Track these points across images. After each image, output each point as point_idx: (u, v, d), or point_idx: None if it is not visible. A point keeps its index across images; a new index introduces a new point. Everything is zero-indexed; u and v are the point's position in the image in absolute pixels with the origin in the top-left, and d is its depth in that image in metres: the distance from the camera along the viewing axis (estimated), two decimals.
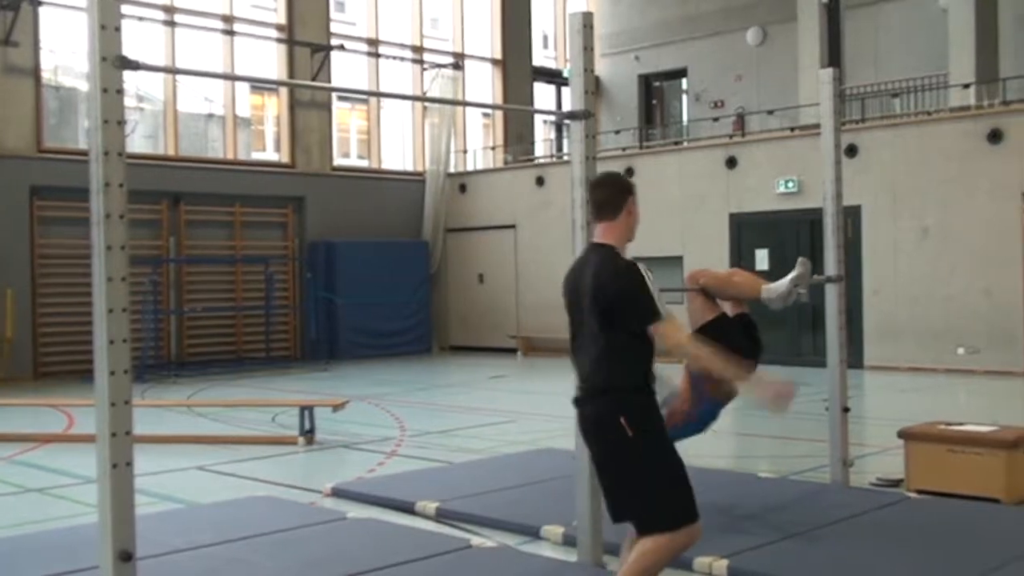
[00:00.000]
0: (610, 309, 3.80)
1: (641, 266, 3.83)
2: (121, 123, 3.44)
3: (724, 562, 4.94)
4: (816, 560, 5.13)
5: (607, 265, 3.86)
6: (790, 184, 15.68)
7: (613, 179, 4.16)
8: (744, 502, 6.31)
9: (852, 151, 14.65)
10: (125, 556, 3.40)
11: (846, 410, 6.73)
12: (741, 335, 5.94)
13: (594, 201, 4.07)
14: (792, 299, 5.85)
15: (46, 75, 16.37)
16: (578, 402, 3.96)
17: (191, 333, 17.17)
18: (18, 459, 8.63)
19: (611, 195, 4.02)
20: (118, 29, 3.43)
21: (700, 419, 5.88)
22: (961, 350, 14.02)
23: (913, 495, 6.45)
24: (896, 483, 6.82)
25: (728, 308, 6.03)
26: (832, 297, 6.80)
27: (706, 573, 4.94)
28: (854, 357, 13.60)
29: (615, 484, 3.86)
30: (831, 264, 6.80)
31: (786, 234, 15.68)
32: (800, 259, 5.92)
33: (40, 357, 15.53)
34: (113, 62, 3.40)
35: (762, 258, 15.67)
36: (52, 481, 7.70)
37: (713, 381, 5.79)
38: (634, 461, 3.78)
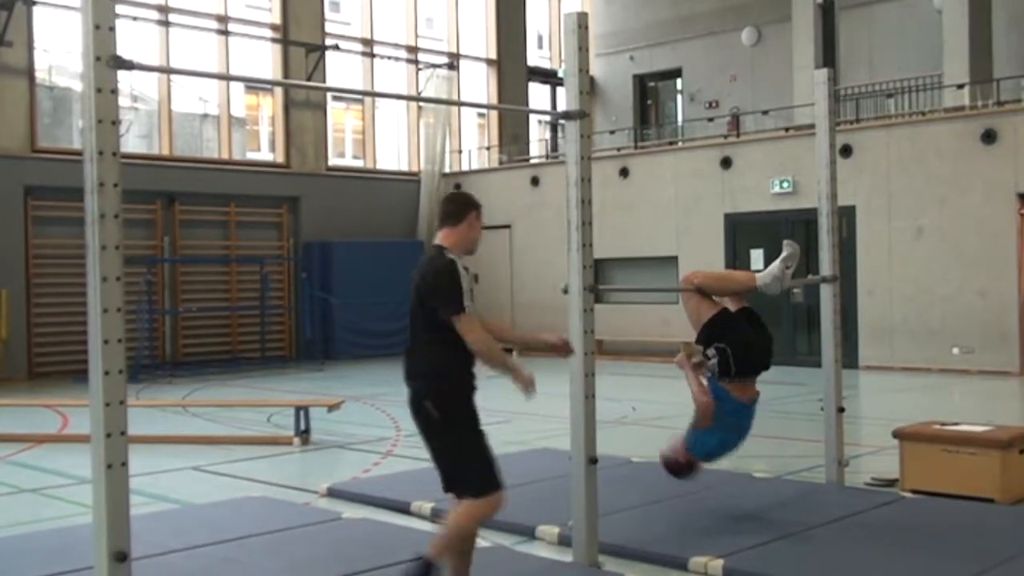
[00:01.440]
0: (426, 301, 4.27)
1: (459, 266, 4.27)
2: (115, 123, 3.43)
3: (720, 562, 4.94)
4: (811, 560, 5.14)
5: (432, 263, 4.34)
6: (785, 184, 15.70)
7: (462, 195, 4.63)
8: (739, 502, 6.32)
9: (847, 151, 14.67)
10: (120, 556, 3.39)
11: (841, 410, 6.74)
12: (749, 328, 5.94)
13: (442, 211, 4.51)
14: (787, 282, 5.86)
15: (40, 75, 16.35)
16: (406, 383, 4.36)
17: (186, 333, 17.15)
18: (13, 459, 8.61)
19: (457, 207, 4.49)
20: (112, 29, 3.43)
21: (735, 419, 5.84)
22: (956, 350, 14.05)
23: (908, 495, 6.46)
24: (891, 483, 6.83)
25: (730, 304, 6.02)
26: (827, 297, 6.81)
27: (701, 573, 4.94)
28: (849, 357, 13.62)
29: (434, 458, 4.36)
30: (826, 264, 6.81)
31: (781, 234, 15.56)
32: (786, 241, 5.94)
33: (34, 357, 15.51)
34: (107, 62, 3.40)
35: (757, 258, 15.68)
36: (47, 481, 7.68)
37: (739, 388, 5.81)
38: (442, 438, 4.29)
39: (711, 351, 5.79)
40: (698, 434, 5.85)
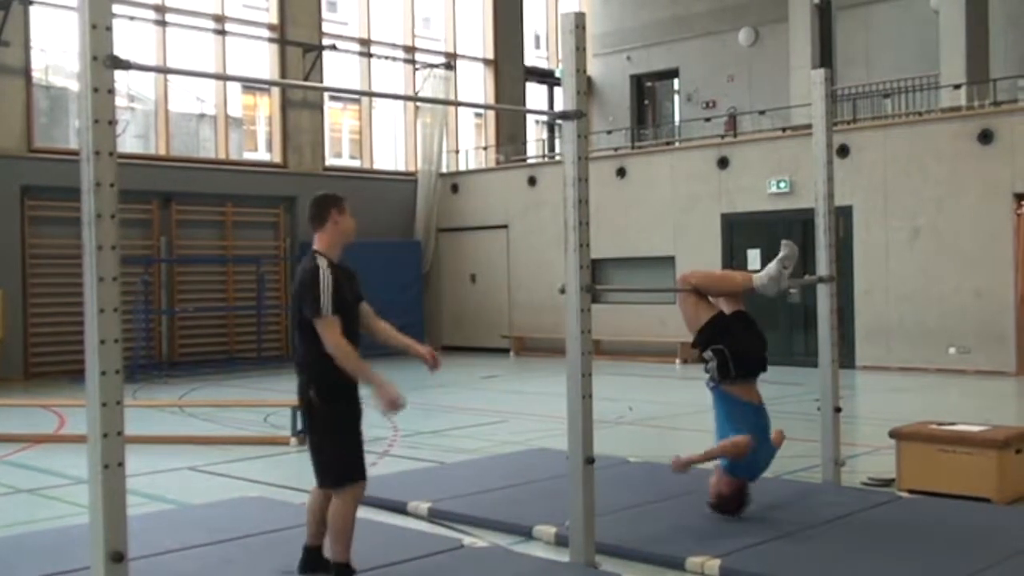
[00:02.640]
0: (295, 302, 4.68)
1: (325, 271, 4.56)
2: (112, 123, 3.43)
3: (716, 562, 4.95)
4: (808, 560, 5.14)
5: (302, 266, 4.68)
6: (782, 184, 15.71)
7: (320, 197, 4.83)
8: None
9: (844, 151, 14.68)
10: (117, 557, 3.39)
11: (838, 410, 6.75)
12: (743, 331, 5.94)
13: (308, 216, 4.78)
14: (785, 283, 5.85)
15: (37, 74, 16.33)
16: (296, 374, 4.75)
17: (182, 333, 17.14)
18: (9, 460, 8.61)
19: (318, 210, 4.76)
20: (109, 28, 3.42)
21: (755, 419, 5.85)
22: (952, 350, 14.06)
23: (904, 495, 6.47)
24: (887, 483, 6.83)
25: (724, 307, 6.03)
26: (824, 297, 6.82)
27: (698, 573, 4.95)
28: (846, 357, 13.65)
29: (311, 448, 4.74)
30: (823, 264, 6.81)
31: (778, 234, 15.52)
32: (784, 241, 5.94)
33: (31, 357, 15.49)
34: (104, 61, 3.39)
35: (754, 258, 15.69)
36: (43, 482, 7.68)
37: (744, 390, 5.81)
38: (316, 427, 4.67)
39: (708, 354, 5.81)
40: (737, 462, 5.80)
